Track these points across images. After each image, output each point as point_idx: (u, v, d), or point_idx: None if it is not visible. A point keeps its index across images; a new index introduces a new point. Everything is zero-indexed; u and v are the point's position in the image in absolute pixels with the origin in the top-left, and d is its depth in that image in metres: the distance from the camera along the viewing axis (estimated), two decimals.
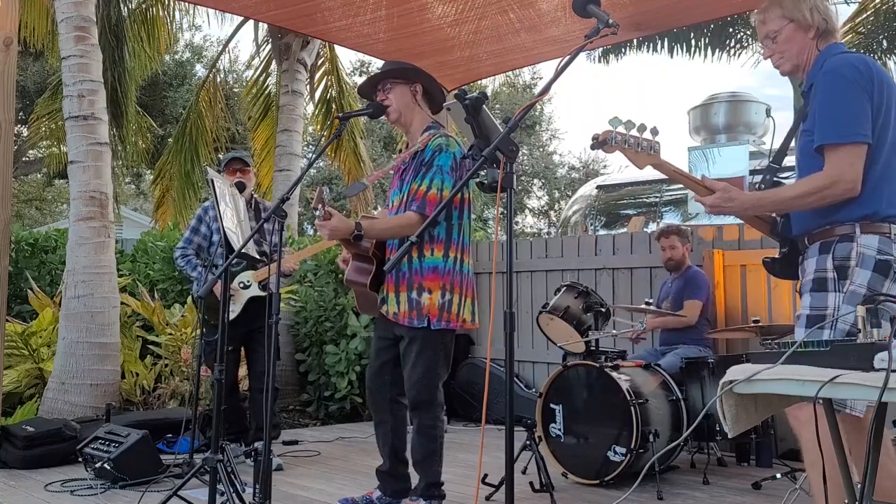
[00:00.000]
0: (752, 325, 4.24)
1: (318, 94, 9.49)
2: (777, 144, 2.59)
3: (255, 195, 4.90)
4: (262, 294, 4.44)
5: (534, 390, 5.97)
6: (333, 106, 9.26)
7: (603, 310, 4.49)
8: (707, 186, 2.38)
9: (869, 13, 9.19)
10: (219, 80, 10.79)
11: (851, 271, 2.32)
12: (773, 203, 2.42)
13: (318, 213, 3.12)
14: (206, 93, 9.92)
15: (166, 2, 9.73)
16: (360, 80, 22.13)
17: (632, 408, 3.88)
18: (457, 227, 3.31)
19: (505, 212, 1.99)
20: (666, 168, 2.38)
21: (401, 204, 3.36)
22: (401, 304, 3.27)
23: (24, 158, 17.76)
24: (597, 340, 4.37)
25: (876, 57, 9.36)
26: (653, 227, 9.49)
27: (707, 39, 10.64)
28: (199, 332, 4.14)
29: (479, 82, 13.02)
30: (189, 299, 6.33)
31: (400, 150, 3.55)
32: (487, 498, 3.79)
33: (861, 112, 2.28)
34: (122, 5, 9.53)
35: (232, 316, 4.38)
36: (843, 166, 2.27)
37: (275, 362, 2.86)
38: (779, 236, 2.56)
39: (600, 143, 2.18)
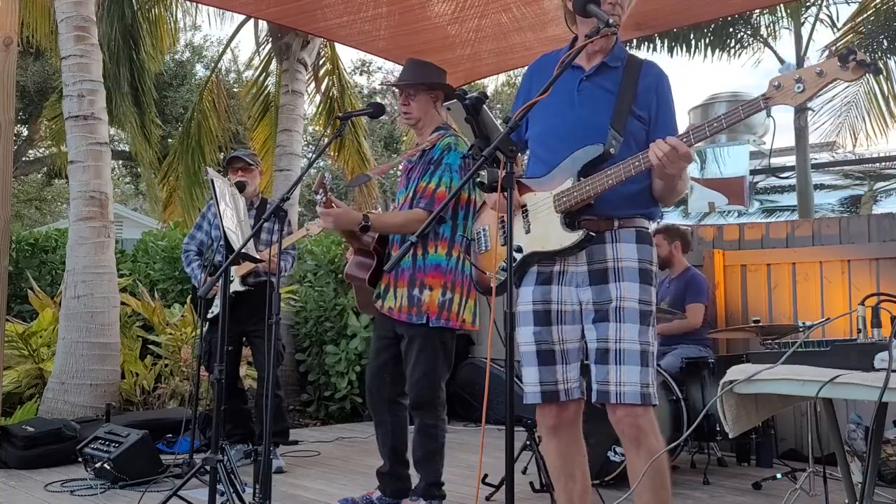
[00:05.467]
0: (752, 325, 4.24)
1: (319, 94, 9.48)
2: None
3: (262, 194, 4.88)
4: (242, 289, 4.45)
5: None
6: (335, 105, 9.25)
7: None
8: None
9: (869, 13, 9.18)
10: (222, 79, 10.79)
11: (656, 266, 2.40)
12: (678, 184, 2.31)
13: (318, 197, 3.10)
14: (209, 92, 9.93)
15: (168, 1, 9.73)
16: (361, 79, 22.15)
17: None
18: (461, 227, 3.31)
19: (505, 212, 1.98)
20: None
21: (405, 201, 3.36)
22: (400, 300, 3.27)
23: (24, 158, 17.76)
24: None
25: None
26: (652, 226, 9.49)
27: (707, 39, 10.62)
28: (199, 332, 4.14)
29: (479, 81, 13.00)
30: (189, 299, 6.33)
31: (405, 150, 3.55)
32: (488, 498, 3.78)
33: None
34: (134, 4, 9.54)
35: (215, 311, 4.38)
36: None
37: (276, 364, 2.85)
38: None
39: None
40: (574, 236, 2.24)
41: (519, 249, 2.33)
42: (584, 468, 2.43)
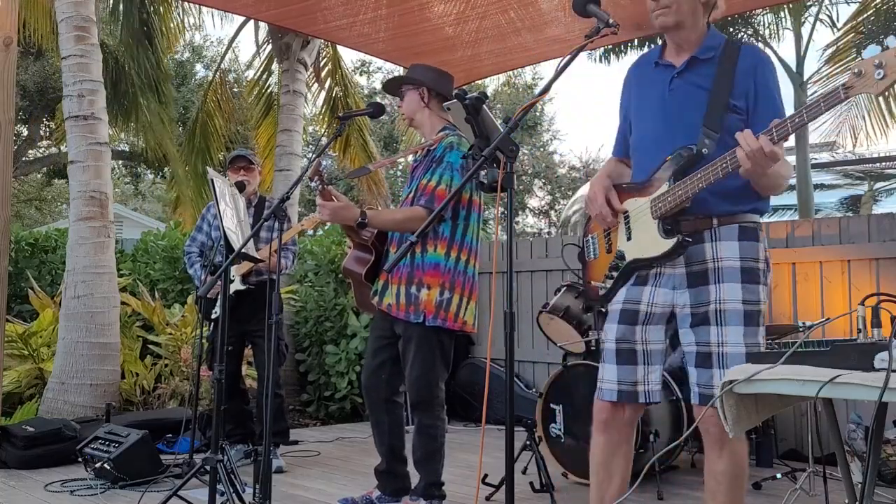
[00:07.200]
0: None
1: (322, 95, 9.48)
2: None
3: (261, 193, 4.89)
4: (243, 288, 4.45)
5: (534, 390, 5.97)
6: (339, 105, 9.24)
7: (603, 310, 4.46)
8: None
9: (869, 13, 9.18)
10: (226, 80, 10.82)
11: (769, 265, 2.30)
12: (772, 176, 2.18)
13: (313, 184, 3.11)
14: (213, 93, 9.94)
15: (171, 2, 9.74)
16: (361, 79, 22.15)
17: None
18: (462, 227, 3.30)
19: (505, 212, 1.98)
20: None
21: (407, 199, 3.38)
22: (398, 297, 3.27)
23: (24, 158, 17.75)
24: (597, 340, 4.36)
25: None
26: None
27: None
28: (199, 331, 4.14)
29: (480, 82, 13.01)
30: (190, 299, 6.32)
31: (403, 149, 3.58)
32: (488, 498, 3.79)
33: None
34: (146, 3, 9.56)
35: (218, 311, 4.38)
36: None
37: (278, 364, 2.85)
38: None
39: None
40: (668, 244, 2.20)
41: (621, 256, 2.33)
42: (625, 474, 2.37)
